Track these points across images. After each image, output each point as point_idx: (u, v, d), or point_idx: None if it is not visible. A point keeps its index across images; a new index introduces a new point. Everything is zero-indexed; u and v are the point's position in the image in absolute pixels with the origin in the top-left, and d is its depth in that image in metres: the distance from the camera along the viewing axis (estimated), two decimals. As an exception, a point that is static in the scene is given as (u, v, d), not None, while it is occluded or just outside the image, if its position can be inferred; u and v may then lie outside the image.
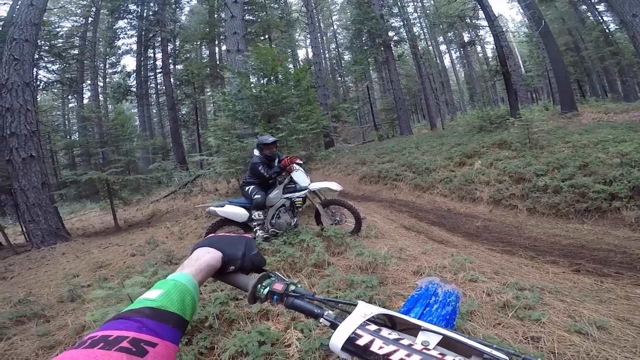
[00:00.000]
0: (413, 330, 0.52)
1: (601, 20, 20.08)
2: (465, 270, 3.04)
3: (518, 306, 2.32)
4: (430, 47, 28.12)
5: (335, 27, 30.94)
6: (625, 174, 4.29)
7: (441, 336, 0.49)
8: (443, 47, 31.43)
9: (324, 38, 29.43)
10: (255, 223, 3.96)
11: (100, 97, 19.14)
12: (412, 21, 20.93)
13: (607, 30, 19.79)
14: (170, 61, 19.23)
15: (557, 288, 2.69)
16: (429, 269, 3.14)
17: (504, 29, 22.23)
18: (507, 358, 0.43)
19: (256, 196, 3.95)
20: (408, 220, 5.32)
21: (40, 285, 4.08)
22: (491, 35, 13.93)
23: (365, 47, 18.61)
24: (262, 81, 7.07)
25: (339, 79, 29.89)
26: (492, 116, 10.02)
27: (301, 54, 31.05)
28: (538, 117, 7.21)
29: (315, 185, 4.13)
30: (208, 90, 21.18)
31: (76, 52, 15.99)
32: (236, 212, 3.96)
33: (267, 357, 1.89)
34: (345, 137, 18.32)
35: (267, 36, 17.51)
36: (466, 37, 27.43)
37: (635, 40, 7.09)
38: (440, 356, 0.42)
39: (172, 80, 18.84)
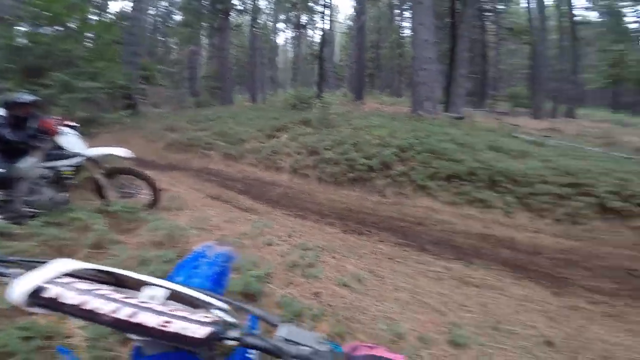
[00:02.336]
0: (138, 286, 0.52)
1: (402, 26, 25.15)
2: (263, 235, 3.29)
3: (303, 265, 2.64)
4: (270, 23, 28.18)
5: None
6: (379, 152, 5.62)
7: (170, 291, 0.51)
8: (281, 25, 32.13)
9: None
10: None
11: None
12: None
13: (402, 35, 24.82)
14: None
15: (331, 246, 3.21)
16: (231, 237, 3.24)
17: (334, 18, 24.95)
18: (227, 307, 0.49)
19: None
20: (216, 189, 5.31)
21: None
22: (322, 21, 15.21)
23: (204, 11, 16.66)
24: (37, 30, 5.53)
25: (162, 39, 25.78)
26: (303, 97, 11.21)
27: (116, 6, 24.74)
28: (334, 101, 8.60)
29: (94, 152, 3.42)
30: None
31: None
32: None
33: (41, 351, 1.59)
34: (157, 101, 16.14)
35: None
36: (303, 20, 29.04)
37: (414, 44, 8.99)
38: (137, 303, 0.43)
39: None
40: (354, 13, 20.65)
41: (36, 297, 0.45)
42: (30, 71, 5.23)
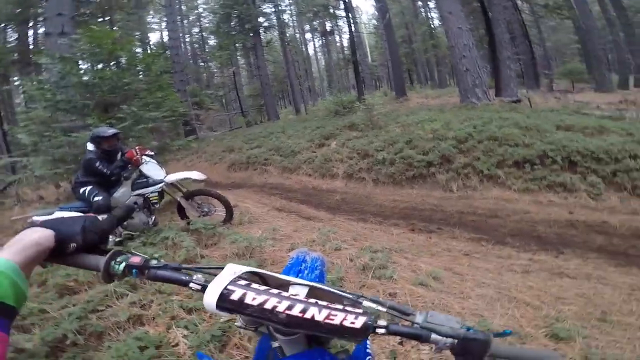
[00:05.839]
0: (284, 287, 0.56)
1: (429, 16, 24.43)
2: (330, 240, 3.33)
3: (374, 267, 2.63)
4: (297, 35, 29.02)
5: (200, 10, 28.16)
6: (436, 146, 5.46)
7: (308, 287, 0.56)
8: (308, 35, 32.99)
9: (185, 22, 26.52)
10: None
11: None
12: (282, 8, 21.05)
13: (432, 25, 24.19)
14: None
15: (401, 247, 3.18)
16: (301, 245, 3.35)
17: (358, 21, 25.07)
18: (355, 298, 0.53)
19: (96, 198, 3.33)
20: (279, 201, 5.54)
21: None
22: (348, 25, 15.43)
23: (234, 32, 17.90)
24: (96, 67, 6.17)
25: (202, 64, 27.78)
26: (344, 102, 11.18)
27: (154, 37, 27.40)
28: (377, 102, 8.54)
29: (173, 177, 3.76)
30: (16, 79, 16.97)
31: None
32: None
33: (154, 359, 1.74)
34: (211, 124, 17.33)
35: (107, 18, 14.93)
36: (328, 27, 29.54)
37: (448, 34, 8.88)
38: (305, 299, 0.47)
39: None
40: (377, 12, 20.42)
41: (224, 300, 0.48)
42: (103, 106, 5.80)
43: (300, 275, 0.87)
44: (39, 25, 15.40)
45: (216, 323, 1.99)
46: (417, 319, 0.49)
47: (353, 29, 15.19)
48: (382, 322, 0.47)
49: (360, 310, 0.48)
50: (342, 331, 0.46)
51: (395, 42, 16.15)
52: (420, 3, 25.38)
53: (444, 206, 4.46)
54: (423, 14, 25.51)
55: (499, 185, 4.65)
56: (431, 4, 23.54)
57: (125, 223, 3.53)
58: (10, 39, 16.81)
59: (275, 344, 0.56)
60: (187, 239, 3.28)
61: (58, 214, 3.24)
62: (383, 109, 8.52)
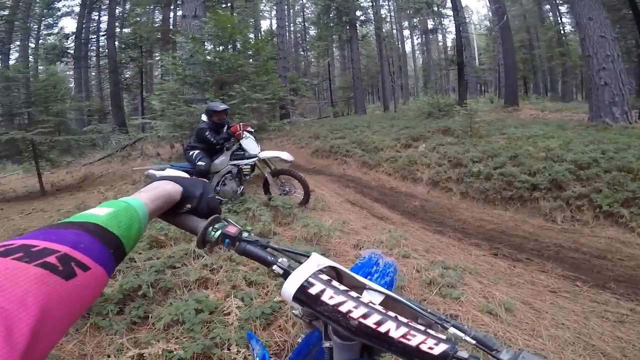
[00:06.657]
0: (358, 288, 0.53)
1: (559, 21, 21.28)
2: (400, 246, 3.19)
3: (442, 284, 2.46)
4: (394, 31, 28.33)
5: (304, 1, 29.80)
6: (547, 168, 4.70)
7: (384, 296, 0.52)
8: (406, 32, 31.94)
9: (291, 11, 28.33)
10: None
11: (31, 59, 17.46)
12: (380, 3, 20.82)
13: (562, 31, 21.09)
14: (116, 24, 18.11)
15: (477, 269, 2.89)
16: (368, 243, 3.27)
17: (467, 20, 23.21)
18: (439, 320, 0.47)
19: (199, 163, 3.79)
20: (353, 195, 5.51)
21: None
22: (454, 25, 14.40)
23: (332, 24, 18.53)
24: (218, 48, 6.89)
25: (302, 53, 29.25)
26: (441, 104, 10.55)
27: (265, 24, 29.99)
28: (482, 108, 7.77)
29: (266, 154, 4.08)
30: (157, 54, 20.22)
31: (6, 12, 14.55)
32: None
33: (204, 325, 1.85)
34: (302, 110, 18.21)
35: (229, 4, 16.72)
36: (430, 25, 28.10)
37: (584, 42, 7.65)
38: (384, 311, 0.44)
39: (116, 43, 17.74)
40: (490, 13, 18.39)
41: (302, 292, 0.46)
42: (220, 84, 6.57)
43: (369, 277, 0.83)
44: (177, 8, 18.05)
45: (269, 301, 2.05)
46: (503, 357, 0.42)
47: (461, 28, 14.01)
48: (462, 354, 0.41)
49: (444, 336, 0.42)
50: (414, 354, 0.41)
51: (512, 46, 14.37)
52: (548, 7, 22.00)
53: (540, 236, 3.87)
54: (551, 18, 22.05)
55: (618, 225, 3.81)
56: (563, 9, 20.22)
57: (218, 188, 3.97)
58: (157, 19, 20.19)
59: (327, 344, 0.53)
60: (266, 213, 3.50)
61: (169, 170, 3.80)
62: (487, 117, 7.70)
